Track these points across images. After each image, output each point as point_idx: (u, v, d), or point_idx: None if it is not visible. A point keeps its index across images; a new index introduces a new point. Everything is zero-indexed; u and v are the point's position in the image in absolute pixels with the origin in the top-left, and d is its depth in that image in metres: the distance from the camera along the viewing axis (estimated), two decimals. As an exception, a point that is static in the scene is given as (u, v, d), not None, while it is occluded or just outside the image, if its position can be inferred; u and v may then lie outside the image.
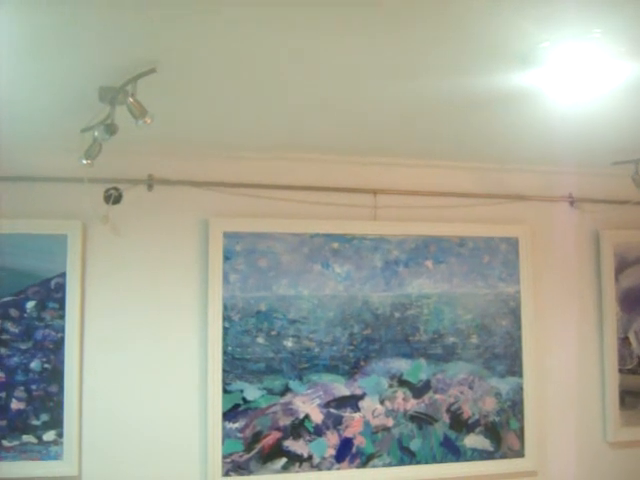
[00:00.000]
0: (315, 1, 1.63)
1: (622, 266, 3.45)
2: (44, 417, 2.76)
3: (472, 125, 2.65)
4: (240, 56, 1.95)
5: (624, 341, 3.42)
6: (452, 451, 3.16)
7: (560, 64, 2.00)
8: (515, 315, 3.29)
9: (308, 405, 3.00)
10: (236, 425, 2.91)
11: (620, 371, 3.40)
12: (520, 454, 3.25)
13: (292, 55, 1.96)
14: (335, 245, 3.08)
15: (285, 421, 2.97)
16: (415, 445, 3.12)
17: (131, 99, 2.09)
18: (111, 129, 2.20)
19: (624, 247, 3.45)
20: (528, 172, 3.38)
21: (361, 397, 3.07)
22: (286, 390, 2.98)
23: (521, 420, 3.26)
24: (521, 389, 3.27)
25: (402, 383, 3.13)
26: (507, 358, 3.26)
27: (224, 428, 2.89)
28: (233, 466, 2.89)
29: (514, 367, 3.27)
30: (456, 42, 1.87)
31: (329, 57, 1.97)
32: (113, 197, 2.90)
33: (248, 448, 2.92)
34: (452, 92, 2.25)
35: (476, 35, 1.83)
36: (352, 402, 3.06)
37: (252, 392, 2.94)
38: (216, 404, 2.89)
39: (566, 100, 2.31)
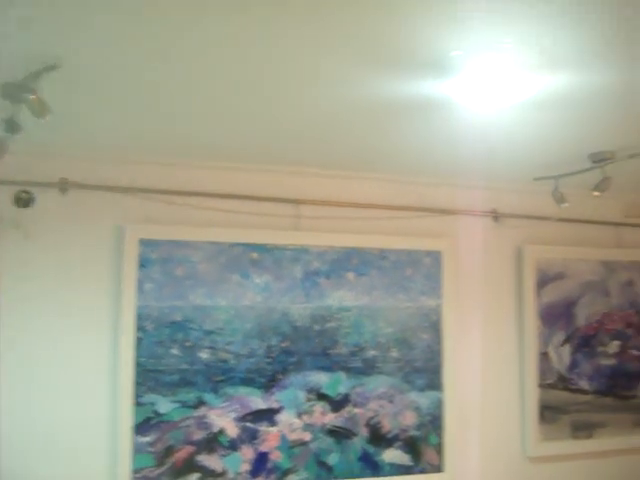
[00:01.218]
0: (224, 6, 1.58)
1: (543, 281, 3.48)
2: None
3: (388, 135, 2.63)
4: (149, 56, 1.89)
5: (544, 356, 3.44)
6: (370, 466, 3.12)
7: (473, 74, 1.98)
8: (436, 329, 3.28)
9: (223, 419, 2.93)
10: (147, 439, 2.82)
11: (540, 386, 3.42)
12: (439, 469, 3.23)
13: (203, 59, 1.91)
14: (255, 255, 3.03)
15: (199, 435, 2.89)
16: (333, 460, 3.07)
17: (33, 96, 2.01)
18: (12, 127, 2.11)
19: (545, 262, 3.49)
20: (452, 186, 3.38)
21: (278, 411, 3.01)
22: (200, 403, 2.90)
23: (441, 435, 3.24)
24: (441, 403, 3.25)
25: (320, 397, 3.08)
26: (427, 372, 3.25)
27: (134, 442, 2.79)
28: (143, 481, 2.79)
29: (434, 381, 3.26)
30: (365, 47, 1.84)
31: (239, 61, 1.93)
32: (23, 200, 2.80)
33: (160, 463, 2.83)
34: (365, 99, 2.22)
35: (387, 41, 1.80)
36: (269, 416, 2.99)
37: (165, 405, 2.85)
38: (126, 417, 2.79)
39: (481, 111, 2.30)
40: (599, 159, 2.86)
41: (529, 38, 1.78)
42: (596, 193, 2.90)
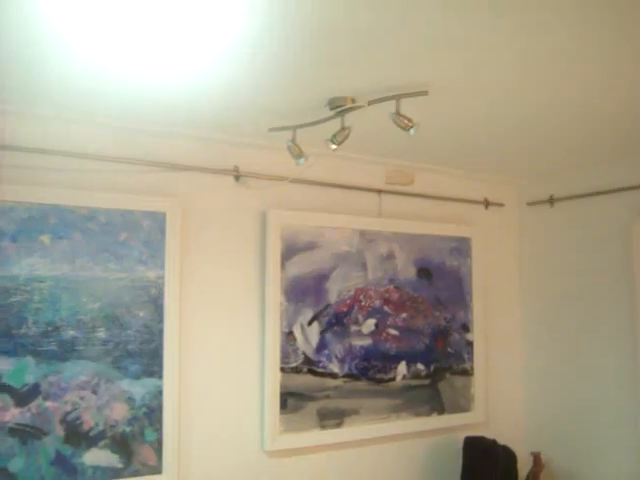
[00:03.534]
0: None
1: (291, 251, 3.05)
2: None
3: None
4: None
5: (289, 336, 3.02)
6: (67, 471, 2.55)
7: None
8: (157, 305, 2.76)
9: None
10: None
11: (282, 370, 2.99)
12: (157, 470, 2.72)
13: None
14: None
15: None
16: (16, 465, 2.47)
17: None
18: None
19: (293, 230, 3.06)
20: (186, 138, 2.87)
21: None
22: None
23: (160, 430, 2.73)
24: (160, 393, 2.74)
25: (1, 388, 2.46)
26: (144, 356, 2.72)
27: None
28: None
29: (152, 367, 2.73)
30: None
31: None
32: None
33: None
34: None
35: None
36: None
37: None
38: None
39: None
40: (337, 105, 2.45)
41: None
42: (333, 146, 2.49)
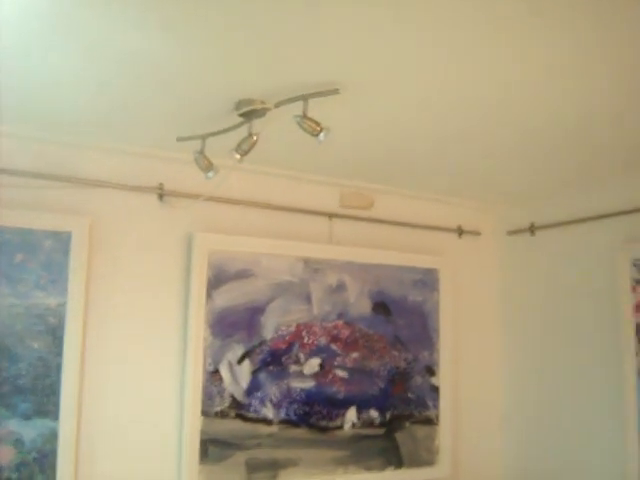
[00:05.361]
0: None
1: (220, 279, 2.73)
2: None
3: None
4: None
5: (213, 375, 2.68)
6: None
7: None
8: (55, 336, 2.45)
9: None
10: None
11: (204, 414, 2.64)
12: (47, 525, 2.38)
13: None
14: None
15: None
16: None
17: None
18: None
19: (223, 256, 2.74)
20: (102, 151, 2.60)
21: None
22: None
23: (52, 477, 2.40)
24: (55, 436, 2.41)
25: None
26: (37, 393, 2.40)
27: None
28: None
29: (47, 406, 2.42)
30: None
31: None
32: None
33: None
34: None
35: None
36: None
37: None
38: None
39: None
40: (245, 109, 2.14)
41: None
42: (237, 156, 2.18)
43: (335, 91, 1.98)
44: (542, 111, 2.19)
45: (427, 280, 3.18)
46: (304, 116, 2.01)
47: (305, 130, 2.03)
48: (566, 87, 1.99)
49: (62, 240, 2.50)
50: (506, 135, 2.44)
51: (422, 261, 3.18)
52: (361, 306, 3.01)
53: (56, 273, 2.48)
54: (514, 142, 2.51)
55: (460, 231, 3.36)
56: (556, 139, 2.46)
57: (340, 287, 2.97)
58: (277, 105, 2.09)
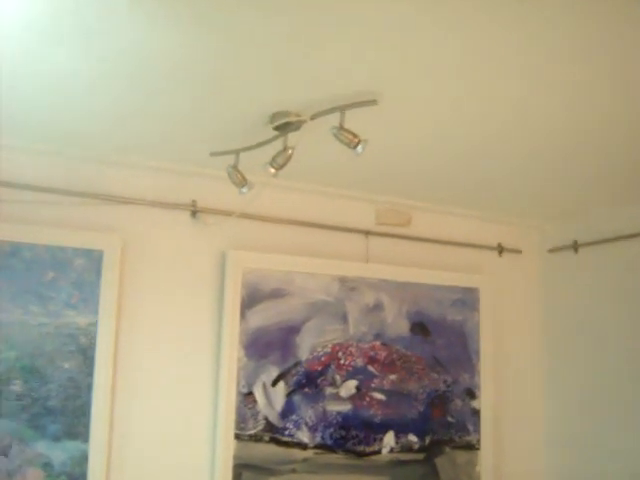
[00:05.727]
0: None
1: (254, 299, 2.66)
2: None
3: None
4: None
5: (247, 397, 2.60)
6: None
7: None
8: (86, 356, 2.40)
9: None
10: None
11: (238, 437, 2.56)
12: None
13: None
14: None
15: None
16: None
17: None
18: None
19: (258, 275, 2.67)
20: (133, 168, 2.56)
21: None
22: None
23: (87, 503, 2.33)
24: (85, 459, 2.35)
25: None
26: (67, 415, 2.35)
27: None
28: None
29: (77, 427, 2.36)
30: None
31: None
32: None
33: None
34: None
35: None
36: None
37: None
38: None
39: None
40: (279, 122, 2.08)
41: None
42: (272, 170, 2.11)
43: (373, 102, 1.92)
44: (584, 125, 2.10)
45: (467, 299, 3.07)
46: (341, 127, 1.94)
47: (342, 142, 1.96)
48: (615, 100, 1.90)
49: (93, 258, 2.45)
50: (547, 151, 2.36)
51: (462, 280, 3.08)
52: (399, 326, 2.91)
53: (87, 292, 2.43)
54: (555, 158, 2.42)
55: (500, 249, 3.25)
56: (599, 154, 2.37)
57: (377, 307, 2.88)
58: (313, 117, 2.02)
